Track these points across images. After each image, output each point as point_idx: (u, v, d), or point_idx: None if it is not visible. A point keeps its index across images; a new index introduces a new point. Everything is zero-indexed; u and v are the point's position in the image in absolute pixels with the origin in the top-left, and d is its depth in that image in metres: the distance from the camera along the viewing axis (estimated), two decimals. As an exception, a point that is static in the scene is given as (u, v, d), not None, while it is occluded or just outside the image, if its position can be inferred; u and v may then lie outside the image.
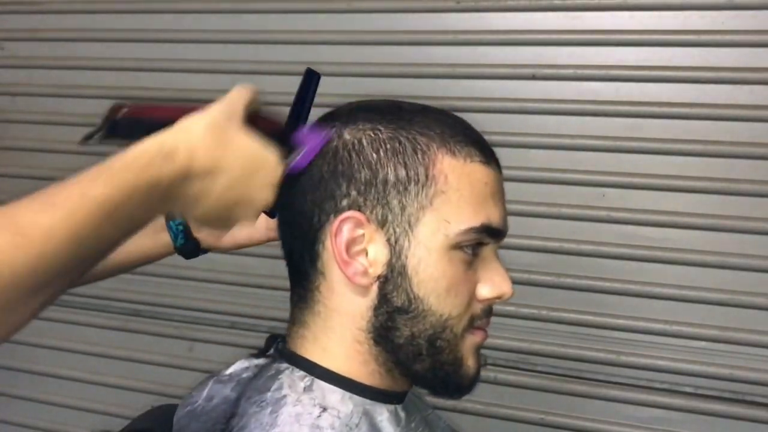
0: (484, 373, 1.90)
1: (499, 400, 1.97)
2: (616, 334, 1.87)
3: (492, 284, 0.90)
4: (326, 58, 1.99)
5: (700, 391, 1.83)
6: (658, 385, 1.85)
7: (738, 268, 1.78)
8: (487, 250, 0.91)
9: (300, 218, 0.89)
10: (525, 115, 1.89)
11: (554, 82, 1.87)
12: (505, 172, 1.86)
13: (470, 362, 0.92)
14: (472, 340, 0.92)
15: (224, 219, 0.85)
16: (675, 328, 1.83)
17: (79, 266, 0.70)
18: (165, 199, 0.77)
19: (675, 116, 1.80)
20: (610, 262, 1.86)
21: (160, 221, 1.15)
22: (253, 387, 0.89)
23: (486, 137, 1.94)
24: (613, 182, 1.84)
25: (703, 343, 1.82)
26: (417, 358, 0.89)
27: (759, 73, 1.75)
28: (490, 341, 1.91)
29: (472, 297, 0.90)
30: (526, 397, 1.95)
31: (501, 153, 1.86)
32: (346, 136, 0.88)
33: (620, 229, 1.84)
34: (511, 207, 1.85)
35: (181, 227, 1.14)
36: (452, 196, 0.87)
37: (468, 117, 1.86)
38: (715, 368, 1.81)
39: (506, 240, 1.86)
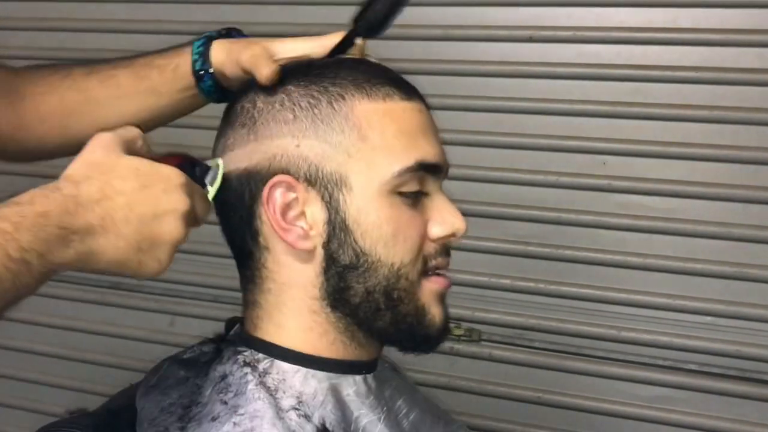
0: (478, 350, 1.91)
1: (494, 378, 1.94)
2: (616, 308, 1.83)
3: (443, 221, 0.89)
4: (302, 19, 1.94)
5: (704, 369, 1.79)
6: (660, 362, 1.82)
7: (745, 239, 1.75)
8: (431, 188, 0.89)
9: (233, 198, 0.88)
10: (522, 78, 1.85)
11: (553, 45, 1.82)
12: (502, 139, 1.85)
13: (434, 311, 0.90)
14: (430, 287, 0.90)
15: (148, 242, 0.78)
16: (678, 302, 1.79)
17: None
18: (65, 241, 0.71)
19: (679, 80, 1.75)
20: (611, 233, 1.82)
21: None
22: (214, 373, 0.88)
23: (481, 102, 1.90)
24: (615, 149, 1.80)
25: (708, 318, 1.78)
26: (377, 314, 0.87)
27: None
28: (484, 316, 1.90)
29: (423, 239, 0.88)
30: (522, 374, 1.92)
31: (496, 119, 1.85)
32: (260, 104, 0.88)
33: (622, 198, 1.80)
34: (507, 175, 1.85)
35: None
36: (377, 139, 0.85)
37: (463, 81, 1.85)
38: (721, 344, 1.78)
39: (502, 209, 1.86)
